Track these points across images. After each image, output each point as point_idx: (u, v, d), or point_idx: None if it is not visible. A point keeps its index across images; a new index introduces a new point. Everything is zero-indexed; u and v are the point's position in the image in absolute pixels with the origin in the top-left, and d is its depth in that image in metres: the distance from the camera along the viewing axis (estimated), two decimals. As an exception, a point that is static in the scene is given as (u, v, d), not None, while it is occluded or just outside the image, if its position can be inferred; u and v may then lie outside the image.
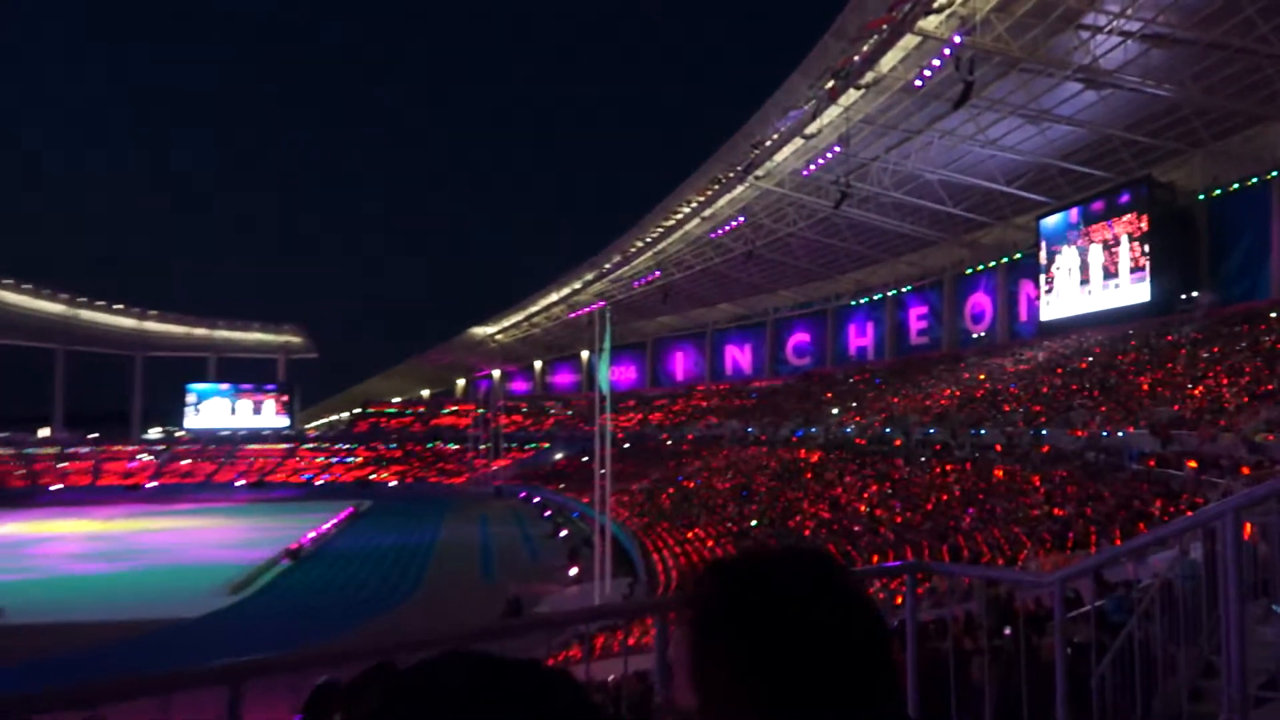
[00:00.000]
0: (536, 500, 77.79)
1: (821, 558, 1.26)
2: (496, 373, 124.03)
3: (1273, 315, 40.73)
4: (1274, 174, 44.71)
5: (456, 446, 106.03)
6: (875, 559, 28.36)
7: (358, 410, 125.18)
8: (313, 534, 58.64)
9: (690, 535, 44.90)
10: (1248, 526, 5.89)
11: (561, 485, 78.27)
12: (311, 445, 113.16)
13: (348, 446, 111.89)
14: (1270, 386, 30.11)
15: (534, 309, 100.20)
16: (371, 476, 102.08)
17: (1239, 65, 38.09)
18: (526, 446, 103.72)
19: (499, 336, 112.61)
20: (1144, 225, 49.18)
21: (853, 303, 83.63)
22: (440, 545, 57.65)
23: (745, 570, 1.24)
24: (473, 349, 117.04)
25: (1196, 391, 33.94)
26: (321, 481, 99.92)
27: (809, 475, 50.15)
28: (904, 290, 77.06)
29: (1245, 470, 20.99)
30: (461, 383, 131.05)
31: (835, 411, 64.72)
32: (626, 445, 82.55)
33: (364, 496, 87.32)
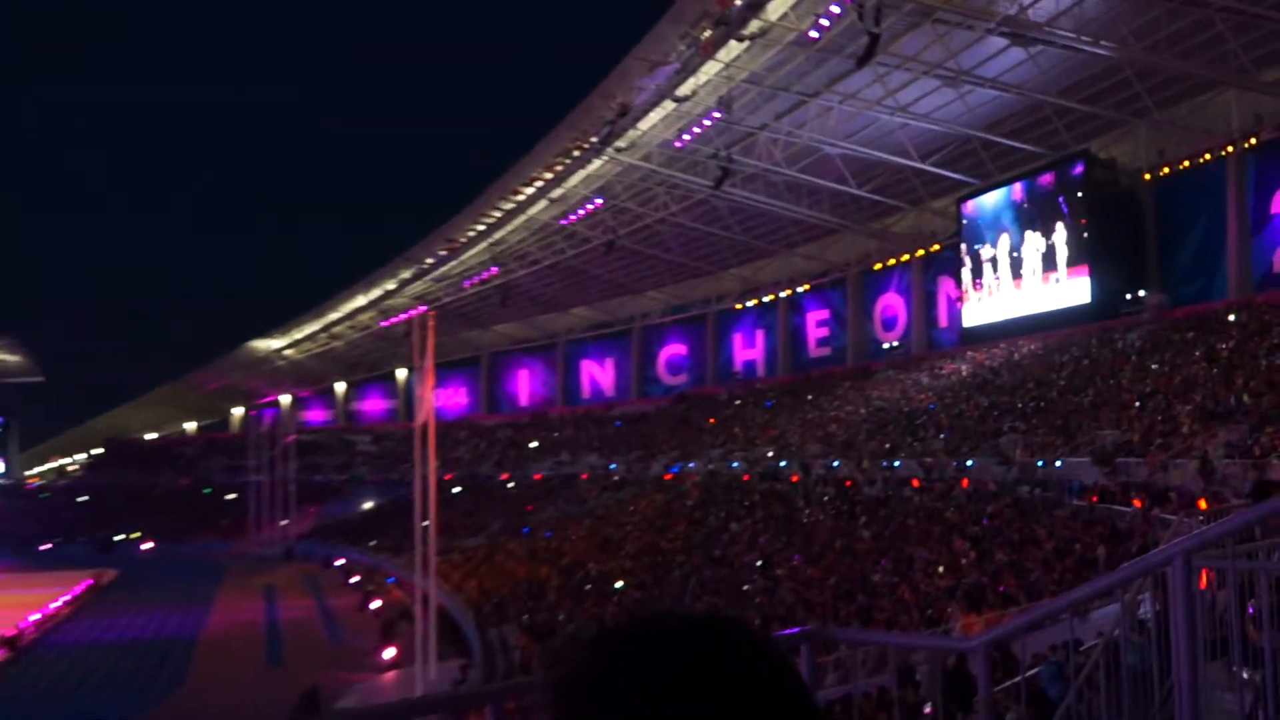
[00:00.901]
0: (340, 562, 75.97)
1: (729, 626, 1.21)
2: (286, 399, 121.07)
3: (1230, 319, 43.02)
4: (1229, 150, 47.25)
5: (234, 496, 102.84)
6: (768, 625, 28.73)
7: (99, 450, 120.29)
8: (36, 616, 55.92)
9: (543, 602, 44.60)
10: (1204, 573, 6.16)
11: (373, 543, 76.69)
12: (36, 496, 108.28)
13: (84, 499, 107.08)
14: (1230, 403, 31.79)
15: (334, 316, 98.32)
16: (118, 537, 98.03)
17: (1188, 19, 40.31)
18: (327, 494, 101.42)
19: (289, 352, 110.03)
20: (1082, 211, 51.45)
21: (738, 306, 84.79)
22: (212, 625, 55.69)
23: (623, 645, 1.19)
24: (254, 368, 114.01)
25: (1144, 410, 35.63)
26: (49, 545, 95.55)
27: (687, 522, 50.46)
28: (800, 291, 78.55)
29: (1201, 504, 22.05)
30: (239, 412, 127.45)
31: (718, 442, 65.43)
32: (457, 489, 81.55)
33: (108, 563, 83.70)
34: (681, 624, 1.20)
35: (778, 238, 72.16)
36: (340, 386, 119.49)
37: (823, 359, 77.56)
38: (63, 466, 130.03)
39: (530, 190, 66.03)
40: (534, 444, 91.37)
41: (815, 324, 79.27)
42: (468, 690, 24.73)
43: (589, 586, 44.55)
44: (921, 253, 66.46)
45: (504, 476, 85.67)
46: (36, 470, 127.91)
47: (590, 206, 66.44)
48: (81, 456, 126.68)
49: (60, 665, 46.26)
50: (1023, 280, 55.40)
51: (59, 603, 61.43)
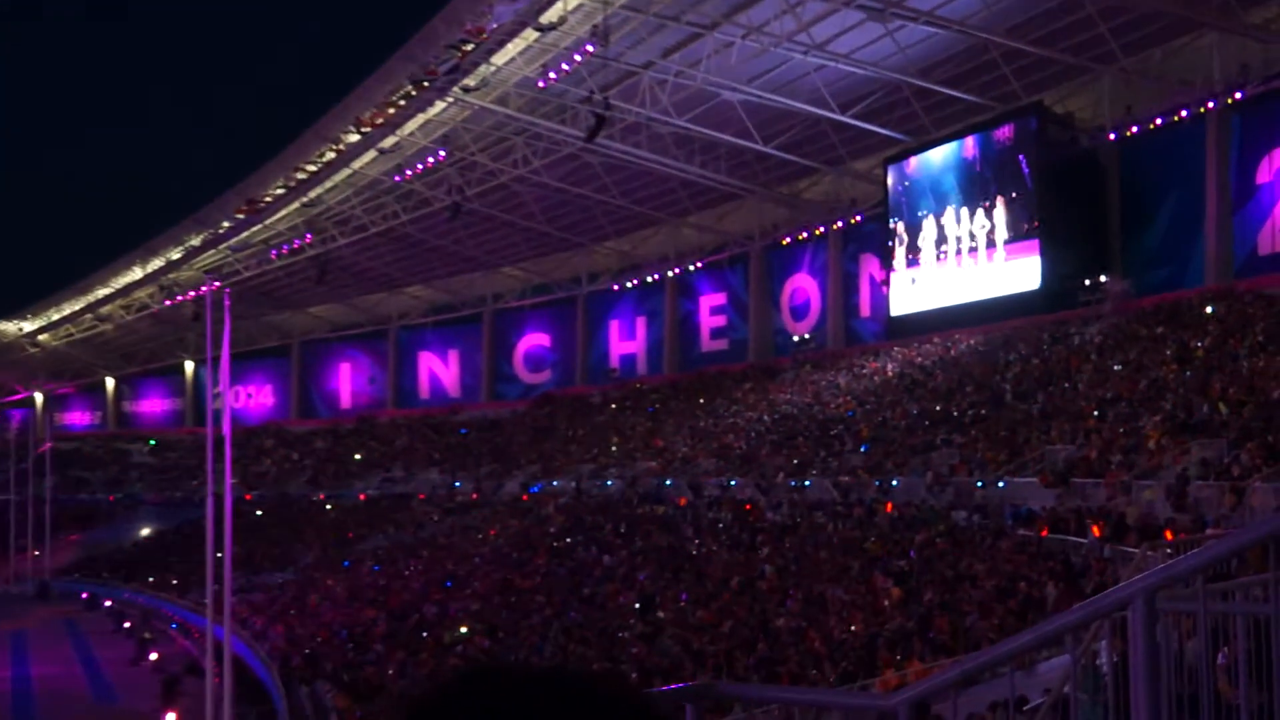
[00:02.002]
0: (109, 604, 74.57)
1: (596, 682, 1.20)
2: (39, 396, 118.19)
3: (1207, 311, 44.24)
4: (1209, 106, 48.35)
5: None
6: (648, 681, 28.82)
7: None
8: None
9: (367, 653, 44.23)
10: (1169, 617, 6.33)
11: (151, 579, 75.39)
12: None
13: None
14: (1205, 412, 32.71)
15: (103, 293, 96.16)
16: None
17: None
18: (94, 517, 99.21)
19: (43, 337, 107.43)
20: (1032, 177, 52.51)
21: (615, 287, 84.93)
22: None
23: (462, 707, 1.16)
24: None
25: (1104, 421, 36.54)
26: None
27: (549, 554, 50.45)
28: (691, 269, 78.87)
29: (1169, 535, 22.71)
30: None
31: (589, 456, 65.53)
32: (260, 512, 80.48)
33: None
34: (537, 679, 1.18)
35: (664, 203, 72.54)
36: (110, 382, 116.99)
37: (718, 354, 78.17)
38: None
39: (354, 138, 65.31)
40: (358, 456, 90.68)
41: (709, 310, 79.82)
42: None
43: (425, 634, 44.27)
44: (840, 225, 67.23)
45: (320, 496, 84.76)
46: None
47: (431, 160, 66.01)
48: None
49: None
50: (962, 259, 56.36)
51: None
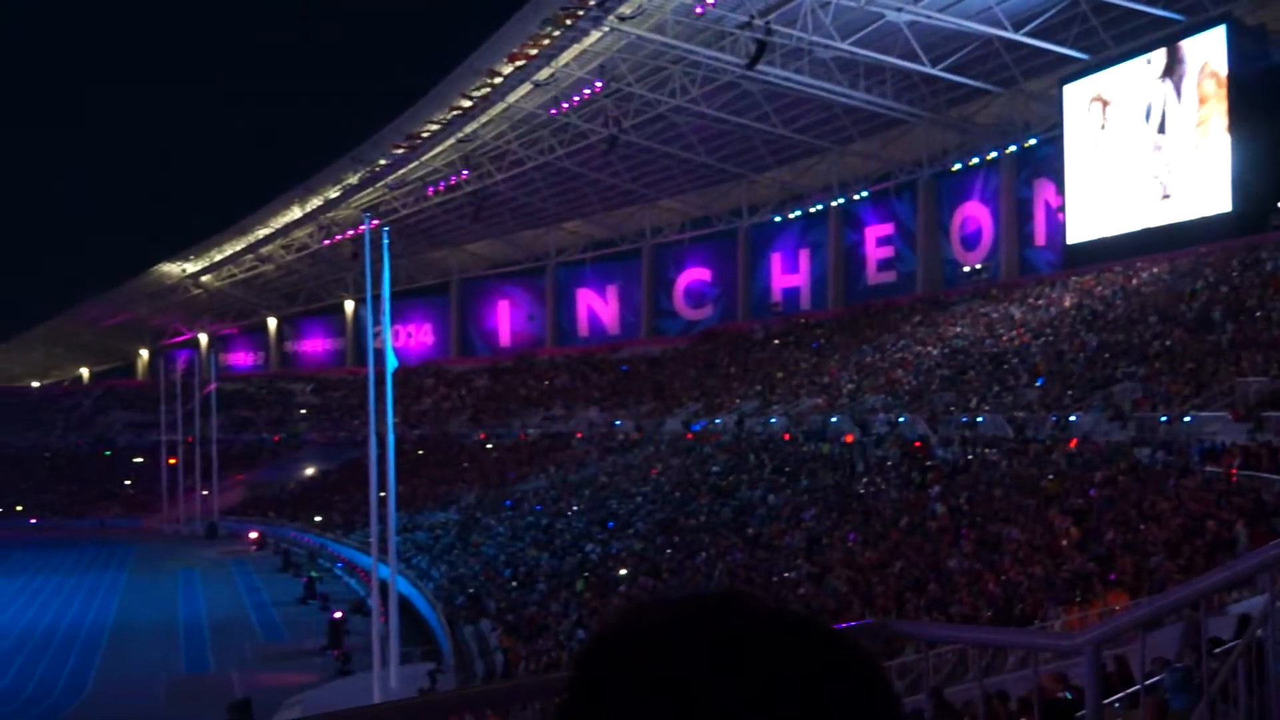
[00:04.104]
0: (276, 543, 76.69)
1: (808, 624, 1.16)
2: (204, 337, 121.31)
3: None
4: None
5: (141, 459, 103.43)
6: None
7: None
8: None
9: (532, 592, 44.86)
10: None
11: (317, 518, 77.24)
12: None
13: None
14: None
15: (263, 233, 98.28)
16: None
17: None
18: (258, 457, 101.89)
19: (206, 279, 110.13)
20: (1222, 94, 50.94)
21: (776, 218, 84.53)
22: (118, 621, 56.31)
23: (622, 637, 1.17)
24: (162, 299, 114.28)
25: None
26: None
27: (712, 493, 50.57)
28: (856, 199, 78.27)
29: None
30: (145, 355, 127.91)
31: (752, 392, 65.46)
32: (422, 452, 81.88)
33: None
34: (694, 608, 1.17)
35: (827, 131, 71.81)
36: (272, 322, 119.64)
37: (885, 286, 77.53)
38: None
39: (509, 71, 65.64)
40: (518, 396, 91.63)
41: (875, 241, 79.12)
42: (439, 697, 24.82)
43: (587, 574, 44.75)
44: (1013, 149, 66.17)
45: (480, 435, 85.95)
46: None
47: (587, 92, 66.10)
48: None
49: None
50: (1145, 183, 54.98)
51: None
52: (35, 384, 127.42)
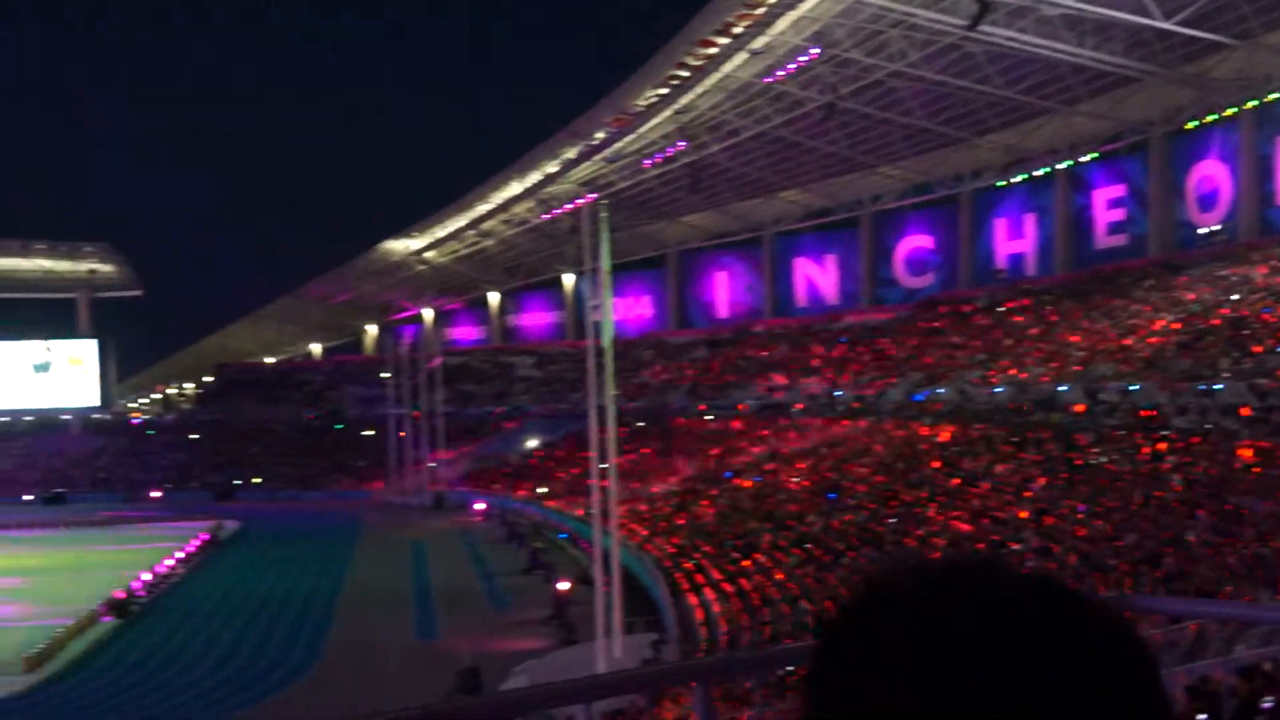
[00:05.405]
0: (500, 514, 78.22)
1: (1063, 589, 1.19)
2: (429, 313, 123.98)
3: None
4: None
5: (371, 432, 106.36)
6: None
7: (209, 378, 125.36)
8: (148, 575, 59.40)
9: (747, 564, 45.20)
10: None
11: (540, 490, 78.63)
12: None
13: (195, 436, 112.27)
14: None
15: (484, 209, 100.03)
16: (237, 481, 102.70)
17: None
18: (483, 429, 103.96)
19: (430, 254, 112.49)
20: None
21: (999, 183, 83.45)
22: (350, 589, 58.17)
23: (882, 604, 1.18)
24: (388, 276, 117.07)
25: None
26: (159, 493, 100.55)
27: (935, 464, 50.33)
28: (1084, 160, 76.85)
29: None
30: (373, 330, 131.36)
31: (976, 361, 64.81)
32: (641, 424, 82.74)
33: (226, 513, 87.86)
34: (941, 574, 1.19)
35: (1053, 91, 70.49)
36: (494, 297, 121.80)
37: (1115, 250, 76.02)
38: (168, 397, 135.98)
39: (725, 41, 65.82)
40: (736, 367, 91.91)
41: (1105, 204, 77.56)
42: (663, 667, 25.20)
43: (809, 545, 44.91)
44: (1254, 104, 64.39)
45: (700, 407, 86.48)
46: (139, 402, 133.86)
47: (803, 59, 65.95)
48: (189, 385, 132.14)
49: (176, 635, 49.09)
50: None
51: (173, 560, 65.27)
52: (270, 360, 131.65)
